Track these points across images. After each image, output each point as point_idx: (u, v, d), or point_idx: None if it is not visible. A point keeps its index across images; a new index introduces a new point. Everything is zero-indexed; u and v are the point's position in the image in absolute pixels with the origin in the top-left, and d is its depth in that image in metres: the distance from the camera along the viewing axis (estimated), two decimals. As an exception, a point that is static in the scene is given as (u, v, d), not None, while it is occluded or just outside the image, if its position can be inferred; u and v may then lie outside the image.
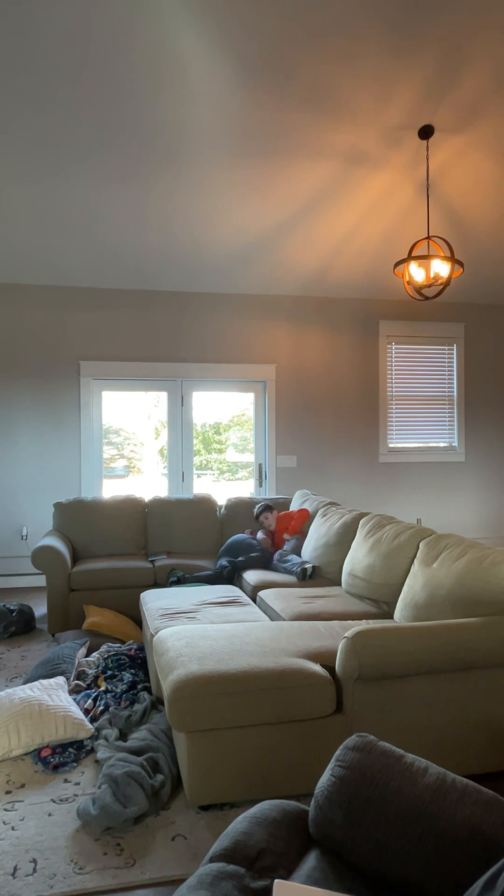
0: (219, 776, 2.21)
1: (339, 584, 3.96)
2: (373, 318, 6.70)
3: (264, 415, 6.49)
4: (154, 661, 2.87)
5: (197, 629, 2.75)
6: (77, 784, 2.46)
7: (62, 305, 6.04)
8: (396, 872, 1.25)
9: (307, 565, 4.05)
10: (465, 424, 6.93)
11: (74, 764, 2.59)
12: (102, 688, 3.21)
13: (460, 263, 4.13)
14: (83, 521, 4.93)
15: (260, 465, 6.52)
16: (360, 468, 6.67)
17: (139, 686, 3.21)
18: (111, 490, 6.22)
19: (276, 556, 4.45)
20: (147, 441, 6.40)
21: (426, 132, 4.19)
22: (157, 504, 5.13)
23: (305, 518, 4.71)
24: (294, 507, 5.10)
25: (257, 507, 5.05)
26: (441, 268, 4.14)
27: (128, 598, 4.46)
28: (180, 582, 4.33)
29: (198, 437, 6.46)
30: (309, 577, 4.03)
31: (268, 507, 5.01)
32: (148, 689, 3.20)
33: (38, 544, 4.40)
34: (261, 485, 6.53)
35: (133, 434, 6.36)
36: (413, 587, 2.99)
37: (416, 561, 3.10)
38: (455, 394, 6.91)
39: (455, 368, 6.91)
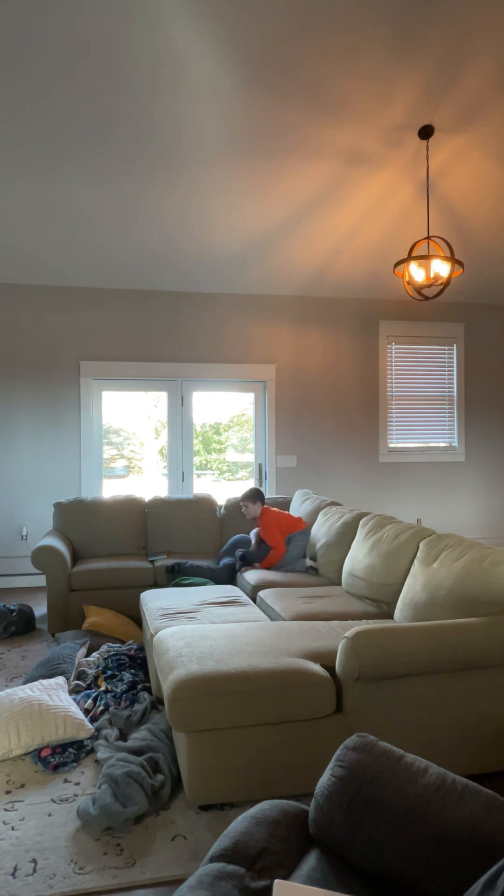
0: (219, 776, 2.21)
1: (339, 583, 3.96)
2: (373, 318, 6.70)
3: (264, 415, 6.49)
4: (154, 661, 2.87)
5: (197, 629, 2.75)
6: (77, 784, 2.45)
7: (62, 305, 6.04)
8: (396, 872, 1.25)
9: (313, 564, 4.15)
10: (465, 424, 6.93)
11: (74, 764, 2.59)
12: (102, 688, 3.21)
13: (460, 263, 4.13)
14: (83, 521, 4.93)
15: (260, 465, 6.52)
16: (360, 468, 6.67)
17: (139, 686, 3.21)
18: (111, 490, 6.22)
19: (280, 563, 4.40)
20: (147, 441, 6.40)
21: (426, 132, 4.19)
22: (157, 504, 5.13)
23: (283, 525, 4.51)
24: (294, 506, 5.09)
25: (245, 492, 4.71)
26: (441, 268, 4.13)
27: (128, 598, 4.46)
28: (179, 568, 4.34)
29: (198, 437, 6.46)
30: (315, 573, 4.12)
31: (252, 497, 4.66)
32: (148, 689, 3.20)
33: (38, 544, 4.40)
34: (261, 484, 6.53)
35: (133, 434, 6.36)
36: (413, 587, 2.99)
37: (416, 561, 3.10)
38: (455, 394, 6.91)
39: (455, 368, 6.91)
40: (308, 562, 4.16)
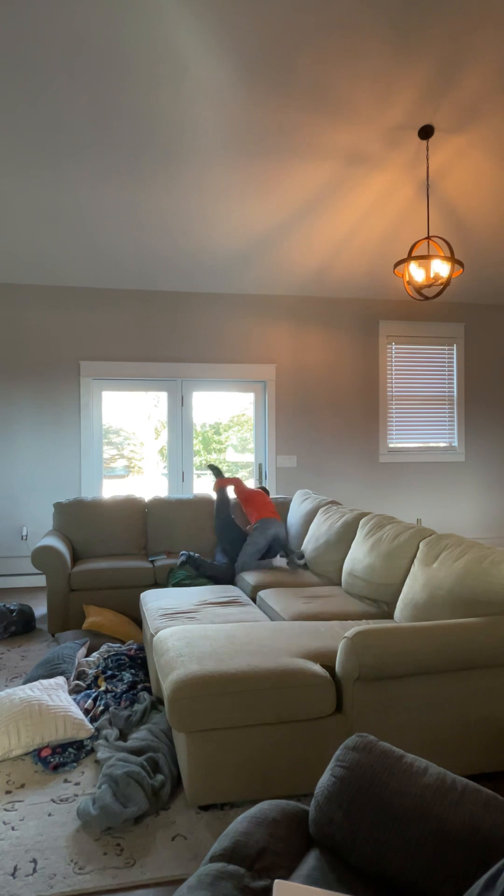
0: (219, 776, 2.21)
1: (339, 583, 3.96)
2: (373, 318, 6.70)
3: (264, 415, 6.49)
4: (154, 661, 2.87)
5: (197, 629, 2.75)
6: (77, 784, 2.46)
7: (62, 305, 6.04)
8: (396, 872, 1.25)
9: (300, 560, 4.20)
10: (465, 424, 6.93)
11: (74, 764, 2.59)
12: (102, 688, 3.21)
13: (460, 263, 4.13)
14: (83, 521, 4.93)
15: (260, 465, 6.52)
16: (360, 468, 6.67)
17: (139, 686, 3.21)
18: (111, 490, 6.22)
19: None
20: (147, 441, 6.40)
21: (426, 132, 4.19)
22: (157, 504, 5.13)
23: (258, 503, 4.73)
24: (294, 506, 5.09)
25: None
26: (441, 268, 4.13)
27: (128, 598, 4.46)
28: (190, 560, 4.38)
29: (198, 437, 6.46)
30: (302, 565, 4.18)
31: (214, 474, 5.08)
32: (148, 689, 3.20)
33: (38, 544, 4.40)
34: (261, 484, 6.52)
35: (133, 434, 6.36)
36: (413, 587, 2.99)
37: (416, 561, 3.10)
38: (455, 394, 6.91)
39: (455, 368, 6.91)
40: (298, 560, 4.21)
